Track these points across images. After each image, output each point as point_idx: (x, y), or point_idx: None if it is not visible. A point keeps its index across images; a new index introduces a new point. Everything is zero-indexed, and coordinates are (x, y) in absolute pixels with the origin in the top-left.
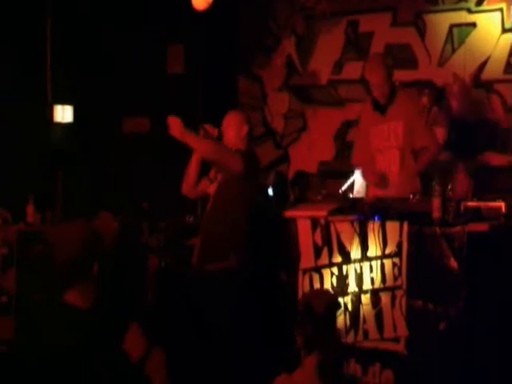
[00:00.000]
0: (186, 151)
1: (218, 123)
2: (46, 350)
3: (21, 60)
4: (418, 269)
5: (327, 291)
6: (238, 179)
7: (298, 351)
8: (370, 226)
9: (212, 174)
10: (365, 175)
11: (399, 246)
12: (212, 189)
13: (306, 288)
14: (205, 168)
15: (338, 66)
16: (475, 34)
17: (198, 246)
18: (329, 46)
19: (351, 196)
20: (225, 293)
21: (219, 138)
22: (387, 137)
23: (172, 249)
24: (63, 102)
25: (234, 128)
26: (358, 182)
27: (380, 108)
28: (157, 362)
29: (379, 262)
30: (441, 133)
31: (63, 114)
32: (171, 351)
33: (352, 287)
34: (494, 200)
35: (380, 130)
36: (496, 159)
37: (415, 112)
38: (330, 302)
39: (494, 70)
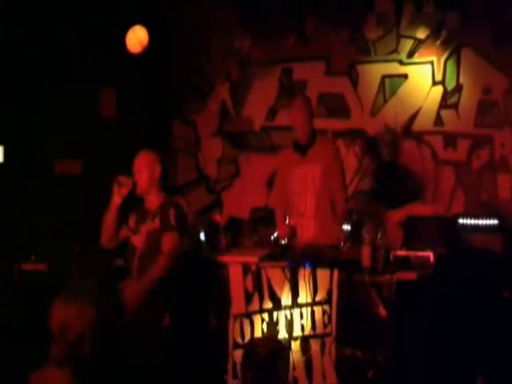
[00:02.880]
0: None
1: None
2: None
3: None
4: (348, 316)
5: (273, 337)
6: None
7: None
8: (301, 272)
9: (131, 223)
10: (277, 227)
11: (329, 293)
12: (136, 240)
13: (237, 334)
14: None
15: (272, 113)
16: (407, 86)
17: (128, 298)
18: (263, 92)
19: (283, 243)
20: (156, 344)
21: (133, 187)
22: (305, 179)
23: (105, 294)
24: None
25: (145, 171)
26: None
27: (300, 149)
28: None
29: (309, 309)
30: (370, 182)
31: None
32: None
33: (282, 334)
34: (423, 250)
35: (298, 172)
36: (425, 210)
37: (333, 159)
38: (272, 347)
39: (424, 122)
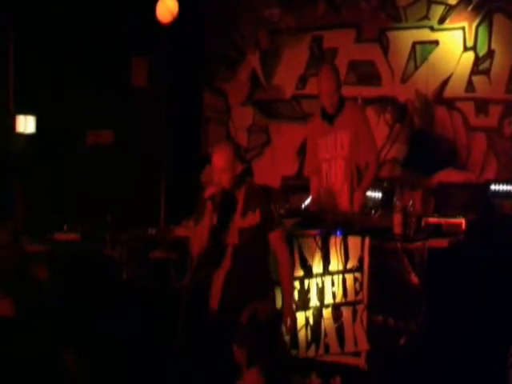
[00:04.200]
0: (147, 164)
1: (182, 136)
2: None
3: None
4: (379, 284)
5: (270, 304)
6: None
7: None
8: (332, 240)
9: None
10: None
11: (361, 260)
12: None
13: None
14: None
15: (302, 81)
16: (438, 52)
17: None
18: (293, 61)
19: (314, 211)
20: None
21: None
22: (334, 146)
23: (135, 261)
24: (26, 112)
25: (229, 169)
26: None
27: (328, 118)
28: None
29: (341, 276)
30: (401, 149)
31: (26, 124)
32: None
33: (314, 301)
34: (455, 216)
35: (327, 139)
36: (456, 176)
37: (362, 123)
38: (273, 312)
39: (455, 88)
